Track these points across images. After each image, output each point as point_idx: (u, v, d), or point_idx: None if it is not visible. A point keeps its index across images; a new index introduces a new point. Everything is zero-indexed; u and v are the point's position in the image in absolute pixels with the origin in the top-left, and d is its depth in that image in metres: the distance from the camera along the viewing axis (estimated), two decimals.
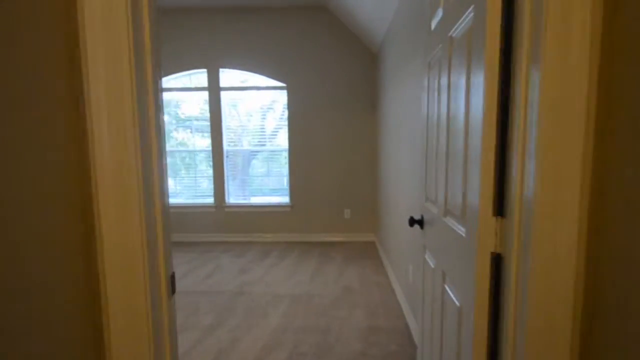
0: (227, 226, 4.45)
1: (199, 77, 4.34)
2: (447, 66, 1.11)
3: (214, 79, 4.26)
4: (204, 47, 4.23)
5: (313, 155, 4.38)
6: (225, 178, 4.42)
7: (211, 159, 4.37)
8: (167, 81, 4.32)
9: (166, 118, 4.43)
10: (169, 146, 4.45)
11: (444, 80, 1.15)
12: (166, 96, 4.37)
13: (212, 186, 4.42)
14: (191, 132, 4.48)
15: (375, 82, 4.29)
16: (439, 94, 1.23)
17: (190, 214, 4.43)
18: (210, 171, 4.43)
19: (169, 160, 4.46)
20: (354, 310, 2.55)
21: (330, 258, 3.73)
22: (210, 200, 4.44)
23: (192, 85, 4.38)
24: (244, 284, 2.96)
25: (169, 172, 4.48)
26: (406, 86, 2.50)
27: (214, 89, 4.28)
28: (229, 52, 4.22)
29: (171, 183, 4.45)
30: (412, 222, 1.53)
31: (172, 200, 4.46)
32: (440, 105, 1.21)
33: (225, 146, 4.40)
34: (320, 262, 3.61)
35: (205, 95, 4.34)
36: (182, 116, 4.43)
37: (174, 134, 4.49)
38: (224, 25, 4.19)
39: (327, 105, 4.32)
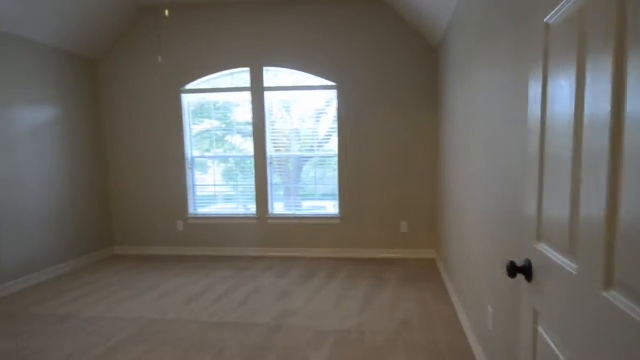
0: (269, 240, 4.12)
1: (243, 76, 4.06)
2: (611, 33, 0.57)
3: (257, 79, 3.97)
4: (246, 43, 3.94)
5: (365, 161, 3.87)
6: (269, 187, 4.10)
7: (254, 165, 4.08)
8: (208, 81, 4.12)
9: (216, 123, 4.25)
10: (221, 151, 4.26)
11: (600, 60, 0.61)
12: (213, 97, 4.18)
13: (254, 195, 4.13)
14: (242, 136, 4.22)
15: (435, 79, 3.67)
16: (580, 83, 0.70)
17: (231, 226, 4.19)
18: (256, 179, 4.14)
19: (223, 165, 4.27)
20: (414, 354, 2.01)
21: (384, 280, 3.19)
22: (252, 210, 4.16)
23: (235, 86, 4.12)
24: (283, 315, 2.56)
25: (223, 177, 4.30)
26: (484, 78, 1.90)
27: (257, 90, 3.99)
28: (273, 49, 3.89)
29: (226, 189, 4.26)
30: (513, 271, 0.98)
31: (214, 211, 4.27)
32: (586, 99, 0.67)
33: (272, 152, 4.09)
34: (372, 284, 3.09)
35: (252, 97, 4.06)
36: (234, 120, 4.19)
37: (228, 138, 4.26)
38: (268, 19, 3.87)
39: (381, 105, 3.79)
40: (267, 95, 4.00)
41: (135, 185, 4.28)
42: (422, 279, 3.19)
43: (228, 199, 4.29)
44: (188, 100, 4.16)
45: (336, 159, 3.94)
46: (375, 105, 3.80)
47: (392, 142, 3.80)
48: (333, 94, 3.89)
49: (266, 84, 3.98)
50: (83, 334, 2.35)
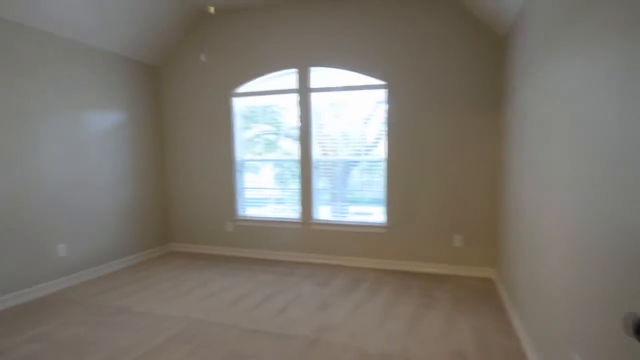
0: (312, 246, 4.05)
1: (291, 78, 4.04)
2: None
3: (303, 80, 3.93)
4: (293, 44, 3.90)
5: (415, 167, 3.62)
6: (313, 191, 4.04)
7: (299, 169, 4.05)
8: (258, 83, 4.17)
9: (266, 126, 4.31)
10: (270, 155, 4.31)
11: None
12: (262, 101, 4.24)
13: (298, 200, 4.10)
14: (292, 140, 4.21)
15: (498, 77, 3.30)
16: None
17: (276, 229, 4.19)
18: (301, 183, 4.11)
19: (272, 169, 4.33)
20: None
21: (434, 299, 2.94)
22: (296, 215, 4.13)
23: (283, 89, 4.13)
24: (322, 328, 2.46)
25: (271, 181, 4.35)
26: (577, 62, 1.61)
27: (303, 91, 3.94)
28: (320, 48, 3.81)
29: (273, 193, 4.31)
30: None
31: (260, 214, 4.32)
32: None
33: (318, 155, 4.02)
34: (421, 303, 2.86)
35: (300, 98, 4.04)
36: (283, 123, 4.21)
37: (277, 141, 4.29)
38: (315, 18, 3.81)
39: (434, 105, 3.52)
40: (315, 97, 3.94)
41: (189, 186, 4.48)
42: (479, 302, 2.88)
43: (275, 202, 4.31)
44: (238, 104, 4.25)
45: (384, 164, 3.74)
46: (427, 105, 3.53)
47: (446, 146, 3.51)
48: (383, 95, 3.70)
49: (314, 85, 3.92)
50: (134, 329, 2.47)
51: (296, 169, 4.08)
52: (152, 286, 3.28)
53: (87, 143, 3.52)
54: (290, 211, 4.18)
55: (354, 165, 3.95)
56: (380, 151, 3.79)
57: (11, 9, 2.76)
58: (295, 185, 4.12)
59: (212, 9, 2.79)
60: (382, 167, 3.77)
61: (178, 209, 4.57)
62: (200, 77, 4.29)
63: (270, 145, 4.32)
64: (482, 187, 3.44)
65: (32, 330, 2.45)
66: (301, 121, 3.97)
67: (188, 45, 4.29)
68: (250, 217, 4.31)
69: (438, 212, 3.58)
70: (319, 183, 4.06)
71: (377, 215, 3.88)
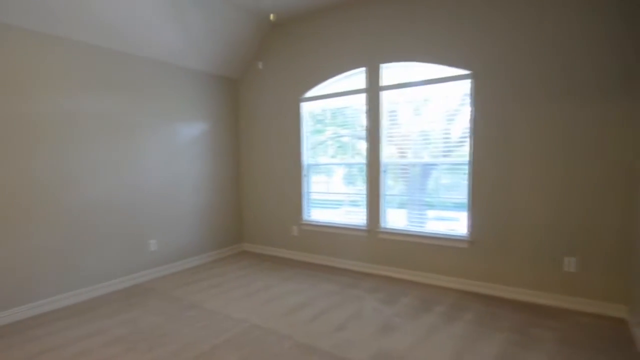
0: (379, 256, 3.66)
1: (360, 77, 3.77)
2: None
3: (373, 78, 3.62)
4: (361, 42, 3.63)
5: (510, 169, 2.97)
6: (381, 197, 3.67)
7: (365, 173, 3.72)
8: (325, 86, 4.02)
9: (334, 129, 4.14)
10: (341, 159, 4.13)
11: None
12: (331, 103, 4.07)
13: (365, 206, 3.76)
14: (362, 142, 3.95)
15: (636, 47, 2.48)
16: None
17: (340, 236, 3.93)
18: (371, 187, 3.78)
19: (341, 172, 4.14)
20: None
21: (532, 338, 2.29)
22: (363, 222, 3.80)
23: (352, 89, 3.88)
24: (383, 355, 2.08)
25: (338, 185, 4.16)
26: None
27: (372, 90, 3.63)
28: (390, 43, 3.46)
29: (340, 197, 4.06)
30: None
31: (325, 219, 4.11)
32: None
33: (390, 157, 3.65)
34: (512, 341, 2.25)
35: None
36: (350, 125, 3.97)
37: (346, 144, 4.06)
38: (383, 13, 3.50)
39: (536, 95, 2.83)
40: (387, 95, 3.57)
41: (260, 189, 4.57)
42: (600, 350, 2.14)
43: (341, 207, 4.06)
44: (306, 108, 4.16)
45: (468, 167, 3.17)
46: (526, 95, 2.86)
47: (553, 144, 2.77)
48: (467, 87, 3.15)
49: (385, 82, 3.57)
50: (199, 326, 2.53)
51: (364, 173, 3.77)
52: (222, 284, 3.39)
53: (178, 151, 3.89)
54: (357, 217, 3.88)
55: (433, 168, 3.46)
56: (465, 151, 3.22)
57: (125, 41, 3.29)
58: (362, 191, 3.81)
59: (272, 17, 2.74)
60: (467, 169, 3.20)
61: (250, 211, 4.69)
62: (270, 85, 4.35)
63: (340, 148, 4.10)
64: (609, 196, 2.61)
65: (123, 315, 2.74)
66: (370, 122, 3.65)
67: (260, 57, 4.41)
68: (316, 221, 4.14)
69: (542, 226, 2.85)
70: (393, 188, 3.67)
71: (459, 223, 3.31)
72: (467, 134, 3.18)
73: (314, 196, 4.22)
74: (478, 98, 3.06)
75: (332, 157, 4.11)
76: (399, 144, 3.62)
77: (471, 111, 3.11)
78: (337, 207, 4.07)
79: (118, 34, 3.19)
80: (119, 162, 3.35)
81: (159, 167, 3.71)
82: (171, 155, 3.83)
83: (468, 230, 3.17)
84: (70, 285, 3.03)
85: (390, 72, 3.57)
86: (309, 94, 4.08)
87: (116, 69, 3.30)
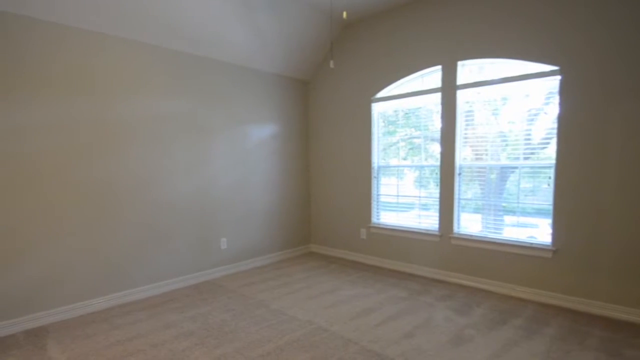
0: (452, 263, 3.72)
1: (435, 77, 3.81)
2: None
3: (449, 76, 3.64)
4: (437, 38, 3.69)
5: (600, 174, 2.83)
6: (456, 201, 3.71)
7: (439, 176, 3.79)
8: (398, 86, 4.13)
9: (406, 130, 4.27)
10: (412, 161, 4.27)
11: None
12: (403, 104, 4.20)
13: (437, 211, 3.83)
14: (435, 143, 4.02)
15: None
16: None
17: (411, 240, 4.05)
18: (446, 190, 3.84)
19: (413, 175, 4.28)
20: None
21: None
22: (435, 227, 3.88)
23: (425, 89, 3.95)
24: None
25: (409, 188, 4.30)
26: None
27: (448, 89, 3.65)
28: (469, 38, 3.46)
29: (410, 200, 4.19)
30: None
31: (395, 222, 4.27)
32: None
33: (465, 160, 3.67)
34: None
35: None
36: (424, 126, 4.06)
37: (418, 145, 4.16)
38: (457, 6, 3.49)
39: (631, 91, 2.66)
40: (463, 94, 3.59)
41: (329, 191, 4.85)
42: None
43: (412, 210, 4.17)
44: (377, 109, 4.32)
45: (552, 169, 3.07)
46: (619, 93, 2.68)
47: None
48: (552, 84, 3.04)
49: (461, 81, 3.57)
50: (265, 325, 2.75)
51: (437, 176, 3.83)
52: (288, 285, 3.69)
53: (248, 152, 4.27)
54: (428, 221, 3.97)
55: (511, 171, 3.40)
56: (549, 153, 3.13)
57: (198, 44, 3.60)
58: (434, 194, 3.89)
59: (345, 14, 2.94)
60: (550, 172, 3.11)
61: (318, 212, 5.02)
62: (341, 86, 4.58)
63: (412, 150, 4.19)
64: None
65: (194, 310, 3.05)
66: (444, 122, 3.70)
67: (331, 58, 4.63)
68: (384, 224, 4.31)
69: (637, 235, 2.68)
70: (468, 191, 3.69)
71: (539, 230, 3.24)
72: (552, 135, 3.08)
73: (383, 199, 4.38)
74: (565, 96, 2.95)
75: (404, 159, 4.23)
76: (474, 146, 3.62)
77: (557, 110, 3.00)
78: (408, 211, 4.19)
79: (192, 38, 3.48)
80: (193, 163, 3.70)
81: (230, 167, 4.05)
82: (242, 156, 4.18)
83: (551, 239, 3.09)
84: (147, 279, 3.40)
85: (467, 70, 3.57)
86: (380, 94, 4.23)
87: (190, 72, 3.63)
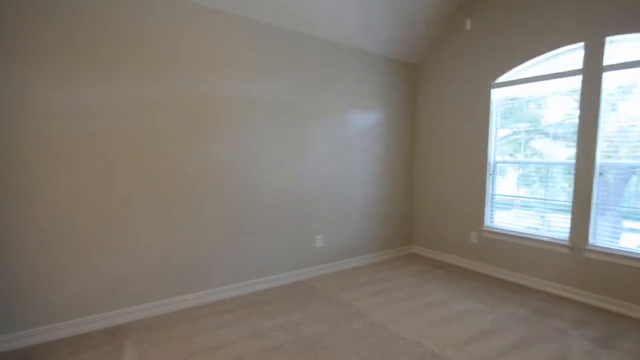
0: (585, 280, 3.38)
1: (569, 57, 3.42)
2: None
3: (593, 56, 3.21)
4: (578, 8, 3.27)
5: None
6: (593, 206, 3.33)
7: (571, 175, 3.42)
8: (522, 70, 3.80)
9: (524, 125, 3.96)
10: (523, 156, 3.97)
11: None
12: (527, 90, 3.86)
13: (568, 217, 3.49)
14: (552, 139, 3.68)
15: None
16: None
17: (531, 249, 3.77)
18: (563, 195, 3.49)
19: (520, 171, 3.99)
20: None
21: None
22: (563, 235, 3.55)
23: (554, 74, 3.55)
24: None
25: (530, 187, 4.02)
26: None
27: (591, 71, 3.23)
28: (621, 6, 3.00)
29: (532, 202, 3.92)
30: None
31: (512, 227, 4.01)
32: None
33: (603, 158, 3.27)
34: None
35: (575, 85, 3.38)
36: (544, 122, 3.72)
37: (532, 143, 3.86)
38: None
39: None
40: (612, 77, 3.17)
41: (435, 187, 4.72)
42: None
43: (533, 214, 3.87)
44: (497, 96, 4.03)
45: None
46: None
47: None
48: None
49: (610, 61, 3.14)
50: (364, 343, 2.61)
51: (571, 175, 3.47)
52: (389, 292, 3.59)
53: (347, 141, 4.18)
54: (556, 228, 3.64)
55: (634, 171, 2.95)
56: None
57: (298, 19, 3.48)
58: (564, 197, 3.54)
59: None
60: None
61: (422, 211, 4.92)
62: (455, 69, 4.36)
63: (536, 143, 3.85)
64: None
65: (285, 317, 2.98)
66: (584, 112, 3.31)
67: (444, 40, 4.43)
68: (500, 229, 4.08)
69: None
70: (608, 195, 3.29)
71: None
72: None
73: (499, 199, 4.14)
74: None
75: (525, 154, 3.92)
76: (622, 140, 3.17)
77: None
78: (528, 214, 3.90)
79: (292, 11, 3.32)
80: (288, 151, 3.61)
81: (327, 158, 3.96)
82: (341, 145, 4.08)
83: None
84: (236, 277, 3.39)
85: (617, 47, 3.11)
86: (501, 79, 3.94)
87: (283, 49, 3.49)
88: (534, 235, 3.77)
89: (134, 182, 2.84)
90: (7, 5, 2.31)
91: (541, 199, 3.75)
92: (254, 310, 3.14)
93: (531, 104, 3.78)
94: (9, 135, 2.37)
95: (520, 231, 3.90)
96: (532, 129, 3.82)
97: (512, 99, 3.91)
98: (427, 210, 4.84)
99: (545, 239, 3.66)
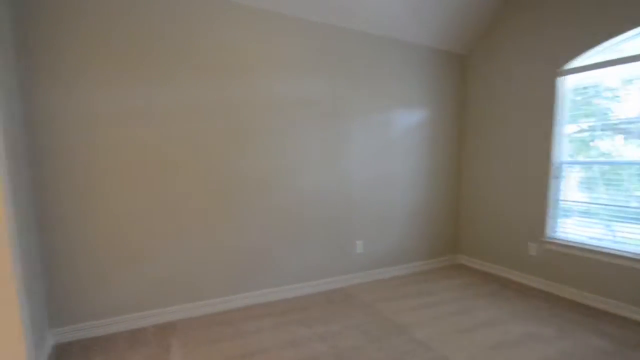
0: None
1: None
2: None
3: None
4: None
5: None
6: None
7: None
8: (596, 54, 3.30)
9: (593, 121, 3.44)
10: (586, 157, 3.45)
11: None
12: (604, 77, 3.36)
13: None
14: (625, 137, 3.17)
15: None
16: None
17: (603, 265, 3.22)
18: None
19: (582, 174, 3.46)
20: None
21: None
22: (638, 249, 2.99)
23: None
24: None
25: (602, 193, 3.49)
26: None
27: None
28: None
29: (604, 211, 3.41)
30: None
31: (580, 238, 3.46)
32: None
33: None
34: None
35: None
36: (614, 118, 3.21)
37: (598, 142, 3.36)
38: None
39: None
40: None
41: (486, 191, 4.29)
42: None
43: (606, 223, 3.31)
44: (565, 85, 3.53)
45: None
46: None
47: None
48: None
49: None
50: None
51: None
52: (433, 306, 3.34)
53: (390, 142, 3.97)
54: (634, 241, 3.09)
55: None
56: None
57: (351, 16, 3.44)
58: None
59: None
60: None
61: (471, 217, 4.50)
62: (511, 58, 3.93)
63: (614, 140, 3.32)
64: None
65: (323, 326, 2.91)
66: None
67: (496, 29, 4.03)
68: (566, 240, 3.56)
69: None
70: None
71: None
72: None
73: (564, 205, 3.62)
74: None
75: (602, 153, 3.38)
76: None
77: None
78: (601, 223, 3.36)
79: (345, 7, 3.31)
80: (327, 153, 3.55)
81: (369, 160, 3.83)
82: (382, 147, 3.91)
83: None
84: (276, 281, 3.41)
85: None
86: (571, 65, 3.45)
87: (329, 46, 3.45)
88: (611, 249, 3.22)
89: (190, 184, 2.99)
90: (90, 22, 2.58)
91: (621, 205, 3.20)
92: (292, 316, 3.10)
93: (606, 93, 3.24)
94: (86, 139, 2.63)
95: (594, 244, 3.35)
96: (605, 123, 3.28)
97: (583, 89, 3.39)
98: (477, 217, 4.39)
99: (626, 254, 3.10)
